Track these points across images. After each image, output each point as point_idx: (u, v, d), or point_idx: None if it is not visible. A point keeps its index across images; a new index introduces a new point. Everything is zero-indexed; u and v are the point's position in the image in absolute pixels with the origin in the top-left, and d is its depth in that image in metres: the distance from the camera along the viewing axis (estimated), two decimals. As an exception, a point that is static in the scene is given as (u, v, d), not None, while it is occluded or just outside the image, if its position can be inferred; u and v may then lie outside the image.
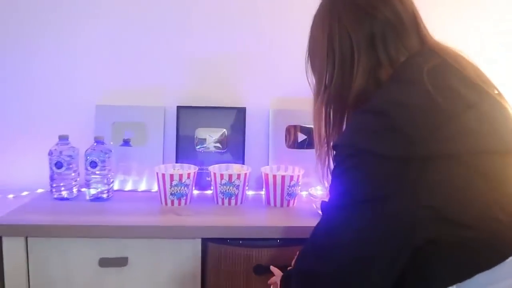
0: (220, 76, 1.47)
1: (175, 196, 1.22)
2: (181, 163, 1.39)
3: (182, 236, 1.10)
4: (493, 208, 0.59)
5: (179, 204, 1.24)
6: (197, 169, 1.28)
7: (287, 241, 1.10)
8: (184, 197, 1.24)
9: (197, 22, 1.44)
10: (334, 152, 0.68)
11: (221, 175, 1.23)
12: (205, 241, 1.10)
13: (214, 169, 1.29)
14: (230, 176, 1.23)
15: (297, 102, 1.48)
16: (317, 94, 0.79)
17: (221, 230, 1.09)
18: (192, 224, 1.10)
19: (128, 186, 1.42)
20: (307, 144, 1.45)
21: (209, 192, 1.40)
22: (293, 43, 1.45)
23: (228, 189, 1.23)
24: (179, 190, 1.22)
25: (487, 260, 0.57)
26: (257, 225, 1.12)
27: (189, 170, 1.27)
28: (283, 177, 1.23)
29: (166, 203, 1.23)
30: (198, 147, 1.45)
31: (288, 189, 1.24)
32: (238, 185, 1.24)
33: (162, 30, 1.43)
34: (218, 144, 1.45)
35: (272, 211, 1.24)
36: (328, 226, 0.66)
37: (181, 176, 1.21)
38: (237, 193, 1.24)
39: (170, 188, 1.21)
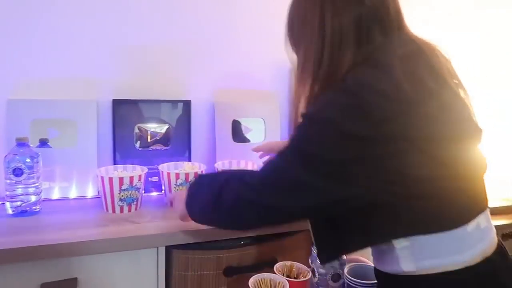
0: (160, 67, 1.34)
1: (124, 202, 1.08)
2: (120, 164, 1.24)
3: (142, 247, 0.98)
4: (446, 190, 0.65)
5: (130, 210, 1.10)
6: (147, 170, 1.15)
7: (256, 238, 1.06)
8: (135, 202, 1.11)
9: (135, 5, 1.28)
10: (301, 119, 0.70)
11: (177, 175, 1.13)
12: (169, 249, 1.00)
13: (164, 168, 1.18)
14: (186, 175, 1.13)
15: (242, 94, 1.44)
16: (302, 71, 0.77)
17: (188, 235, 1.00)
18: (154, 232, 0.99)
19: (55, 194, 1.21)
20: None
21: (154, 194, 1.28)
22: (236, 33, 1.40)
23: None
24: (130, 194, 1.08)
25: (436, 223, 0.64)
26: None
27: (139, 171, 1.13)
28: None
29: (114, 211, 1.09)
30: (138, 145, 1.31)
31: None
32: (195, 184, 1.15)
33: (92, 12, 1.24)
34: (161, 141, 1.33)
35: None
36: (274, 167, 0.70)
37: (131, 179, 1.07)
38: (193, 193, 1.15)
39: (119, 193, 1.07)
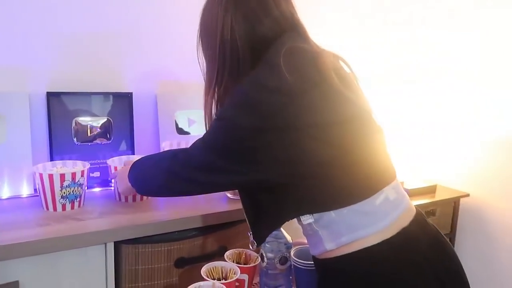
0: (100, 58, 1.29)
1: (67, 199, 1.04)
2: (58, 160, 1.18)
3: (89, 244, 0.95)
4: (343, 169, 0.72)
5: (73, 207, 1.06)
6: (89, 165, 1.11)
7: (205, 229, 1.08)
8: (78, 199, 1.07)
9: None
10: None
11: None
12: (117, 244, 0.99)
13: (115, 162, 1.15)
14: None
15: (184, 86, 1.43)
16: (211, 77, 0.83)
17: (136, 229, 0.99)
18: (101, 228, 0.97)
19: (-16, 195, 1.13)
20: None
21: (97, 189, 1.24)
22: (176, 23, 1.39)
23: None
24: (72, 191, 1.04)
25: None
26: (172, 218, 1.06)
27: (81, 167, 1.09)
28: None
29: (55, 209, 1.04)
30: (76, 140, 1.26)
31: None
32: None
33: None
34: (102, 135, 1.28)
35: (183, 200, 1.18)
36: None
37: (74, 175, 1.03)
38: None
39: (61, 191, 1.02)
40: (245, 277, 0.95)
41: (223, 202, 1.17)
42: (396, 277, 0.71)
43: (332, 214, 0.73)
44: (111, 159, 1.17)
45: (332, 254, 0.75)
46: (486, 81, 1.66)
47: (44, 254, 0.91)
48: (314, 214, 0.75)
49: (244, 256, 1.03)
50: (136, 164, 0.95)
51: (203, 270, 0.94)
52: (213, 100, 0.85)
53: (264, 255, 1.03)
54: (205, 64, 0.87)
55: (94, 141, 1.28)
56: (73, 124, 1.25)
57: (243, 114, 0.71)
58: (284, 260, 1.02)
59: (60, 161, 1.14)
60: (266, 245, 1.03)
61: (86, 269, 0.97)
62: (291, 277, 1.02)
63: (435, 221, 1.67)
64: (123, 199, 1.13)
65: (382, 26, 1.87)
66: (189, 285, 0.84)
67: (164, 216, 1.07)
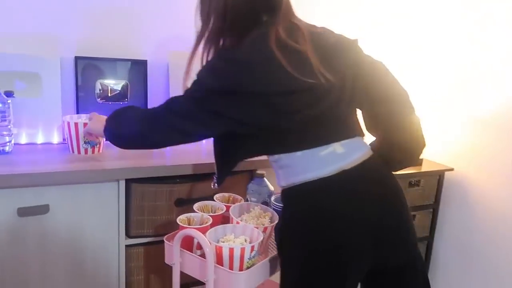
0: (120, 28, 1.49)
1: (88, 145, 1.26)
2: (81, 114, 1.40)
3: (105, 180, 1.17)
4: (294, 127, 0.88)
5: (93, 152, 1.28)
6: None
7: (202, 175, 1.28)
8: (98, 146, 1.28)
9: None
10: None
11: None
12: (128, 182, 1.20)
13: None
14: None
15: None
16: (200, 36, 0.96)
17: (143, 170, 1.20)
18: (115, 167, 1.18)
19: (23, 140, 1.36)
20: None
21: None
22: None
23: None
24: (93, 138, 1.26)
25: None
26: (175, 164, 1.25)
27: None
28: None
29: (79, 152, 1.26)
30: (99, 98, 1.47)
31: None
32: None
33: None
34: (120, 96, 1.49)
35: (188, 152, 1.37)
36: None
37: (95, 124, 1.25)
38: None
39: (84, 137, 1.24)
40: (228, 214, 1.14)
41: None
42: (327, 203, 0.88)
43: (283, 158, 0.91)
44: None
45: (284, 186, 0.95)
46: (470, 59, 1.77)
47: (69, 184, 1.13)
48: (272, 156, 0.94)
49: (231, 198, 1.23)
50: (117, 110, 1.07)
51: (195, 206, 1.14)
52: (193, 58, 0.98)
53: (248, 199, 1.22)
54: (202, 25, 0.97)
55: (113, 101, 1.48)
56: (97, 85, 1.46)
57: (209, 78, 0.88)
58: (265, 204, 1.21)
59: (85, 114, 1.35)
60: (251, 191, 1.22)
61: (103, 201, 1.19)
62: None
63: (419, 192, 1.82)
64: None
65: None
66: (185, 220, 1.05)
67: (169, 161, 1.27)
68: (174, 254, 1.00)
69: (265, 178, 1.23)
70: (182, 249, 1.01)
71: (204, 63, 0.95)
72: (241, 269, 0.95)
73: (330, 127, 0.91)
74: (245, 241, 0.99)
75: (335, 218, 0.87)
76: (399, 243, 0.94)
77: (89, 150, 1.27)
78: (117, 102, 1.49)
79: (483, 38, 1.73)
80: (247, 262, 0.96)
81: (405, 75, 1.94)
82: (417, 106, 0.98)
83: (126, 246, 1.24)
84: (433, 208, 1.88)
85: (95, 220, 1.19)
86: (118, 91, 1.49)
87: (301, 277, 0.89)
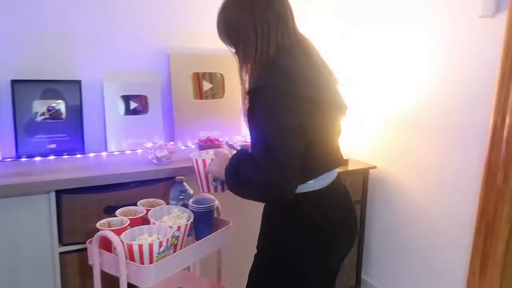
0: (55, 51, 1.61)
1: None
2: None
3: (36, 192, 1.28)
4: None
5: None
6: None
7: (128, 184, 1.40)
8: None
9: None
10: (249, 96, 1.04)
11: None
12: (59, 193, 1.32)
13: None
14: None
15: (128, 74, 1.75)
16: (243, 60, 1.09)
17: (74, 182, 1.32)
18: (45, 180, 1.29)
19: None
20: (139, 111, 1.75)
21: (52, 157, 1.57)
22: (121, 22, 1.70)
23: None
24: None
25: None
26: (101, 174, 1.38)
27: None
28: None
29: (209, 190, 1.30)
30: (37, 119, 1.58)
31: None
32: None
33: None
34: (56, 115, 1.61)
35: (116, 163, 1.50)
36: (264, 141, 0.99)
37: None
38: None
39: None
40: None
41: (147, 165, 1.49)
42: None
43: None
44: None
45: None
46: (386, 64, 1.97)
47: (2, 198, 1.24)
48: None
49: (154, 203, 1.35)
50: (235, 168, 1.05)
51: (118, 211, 1.27)
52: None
53: (169, 202, 1.35)
54: (236, 50, 1.12)
55: (50, 120, 1.60)
56: (34, 106, 1.57)
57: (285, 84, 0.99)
58: (185, 206, 1.34)
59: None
60: (172, 195, 1.36)
61: (35, 212, 1.29)
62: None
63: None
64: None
65: None
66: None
67: (96, 172, 1.39)
68: (93, 255, 1.12)
69: (184, 183, 1.36)
70: (101, 250, 1.13)
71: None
72: (151, 263, 1.07)
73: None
74: (158, 239, 1.12)
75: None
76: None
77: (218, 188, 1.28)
78: (54, 120, 1.60)
79: (397, 43, 1.94)
80: (157, 256, 1.09)
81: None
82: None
83: (60, 253, 1.35)
84: (361, 204, 2.06)
85: (29, 230, 1.29)
86: (54, 111, 1.61)
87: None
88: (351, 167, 2.01)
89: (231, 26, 1.10)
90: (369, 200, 2.09)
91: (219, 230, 1.31)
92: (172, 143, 1.60)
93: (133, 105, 1.75)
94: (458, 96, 1.65)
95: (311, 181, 1.07)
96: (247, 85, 1.10)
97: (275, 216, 1.12)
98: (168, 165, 1.49)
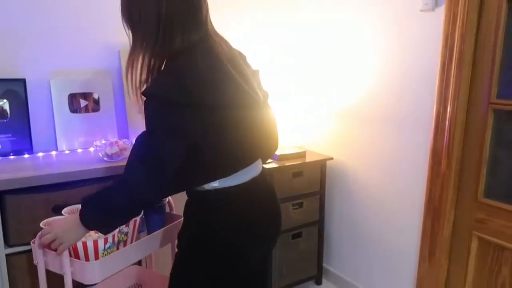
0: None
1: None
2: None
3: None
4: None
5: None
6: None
7: (76, 182, 1.38)
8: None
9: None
10: (145, 98, 0.97)
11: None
12: (2, 194, 1.28)
13: None
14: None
15: (77, 72, 1.71)
16: (137, 48, 1.00)
17: (20, 182, 1.28)
18: (-14, 181, 1.25)
19: None
20: (91, 109, 1.72)
21: (-2, 158, 1.53)
22: (68, 18, 1.66)
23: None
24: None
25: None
26: (49, 173, 1.35)
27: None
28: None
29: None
30: (-20, 118, 1.53)
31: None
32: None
33: None
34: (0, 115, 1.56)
35: (63, 162, 1.47)
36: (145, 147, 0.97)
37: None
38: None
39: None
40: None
41: (98, 162, 1.47)
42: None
43: None
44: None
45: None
46: (333, 57, 2.02)
47: None
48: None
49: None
50: (88, 204, 1.00)
51: (64, 210, 1.24)
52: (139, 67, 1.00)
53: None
54: (133, 36, 1.01)
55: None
56: (-24, 105, 1.52)
57: (175, 93, 0.92)
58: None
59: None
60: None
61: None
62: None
63: (304, 181, 2.03)
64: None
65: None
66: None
67: (41, 171, 1.36)
68: (37, 254, 1.10)
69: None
70: (47, 249, 1.11)
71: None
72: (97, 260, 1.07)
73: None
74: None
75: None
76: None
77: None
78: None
79: (344, 36, 1.98)
80: (102, 253, 1.08)
81: (275, 77, 2.16)
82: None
83: (7, 255, 1.31)
84: (320, 194, 2.10)
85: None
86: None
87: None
88: (308, 159, 2.05)
89: (133, 9, 0.99)
90: (328, 190, 2.14)
91: (170, 225, 1.31)
92: (125, 140, 1.58)
93: (83, 103, 1.72)
94: (404, 88, 1.72)
95: (215, 183, 1.03)
96: (139, 77, 1.02)
97: (193, 213, 1.09)
98: (119, 162, 1.47)
